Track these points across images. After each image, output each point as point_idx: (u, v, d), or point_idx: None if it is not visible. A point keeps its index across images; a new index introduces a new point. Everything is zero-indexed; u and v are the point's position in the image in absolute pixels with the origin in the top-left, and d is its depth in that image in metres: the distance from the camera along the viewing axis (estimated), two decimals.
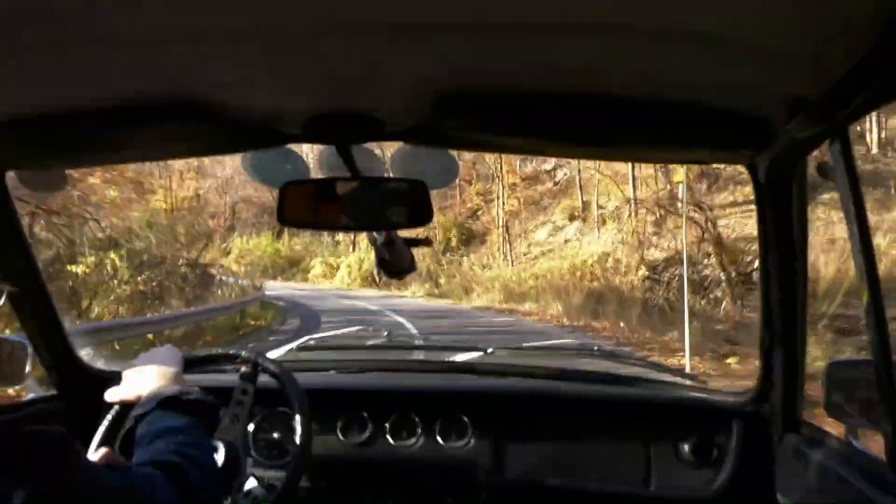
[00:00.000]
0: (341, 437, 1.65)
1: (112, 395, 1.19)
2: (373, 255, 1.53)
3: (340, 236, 29.24)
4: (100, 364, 1.77)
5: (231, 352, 1.40)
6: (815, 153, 1.17)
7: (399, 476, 1.62)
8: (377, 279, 23.38)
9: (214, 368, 1.55)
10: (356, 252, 27.72)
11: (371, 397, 1.72)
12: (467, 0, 0.75)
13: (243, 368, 1.34)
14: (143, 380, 1.14)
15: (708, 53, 0.87)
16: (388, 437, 1.65)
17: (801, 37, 0.80)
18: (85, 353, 1.76)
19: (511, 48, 0.88)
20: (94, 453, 1.12)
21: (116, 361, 1.87)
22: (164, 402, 1.00)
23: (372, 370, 1.86)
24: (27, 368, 1.53)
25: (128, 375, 1.18)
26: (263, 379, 1.35)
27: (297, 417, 1.27)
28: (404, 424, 1.66)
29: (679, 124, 1.07)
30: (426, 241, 1.61)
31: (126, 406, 1.18)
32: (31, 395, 1.66)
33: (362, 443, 1.64)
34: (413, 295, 22.34)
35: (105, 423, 1.24)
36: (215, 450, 1.04)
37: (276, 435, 1.63)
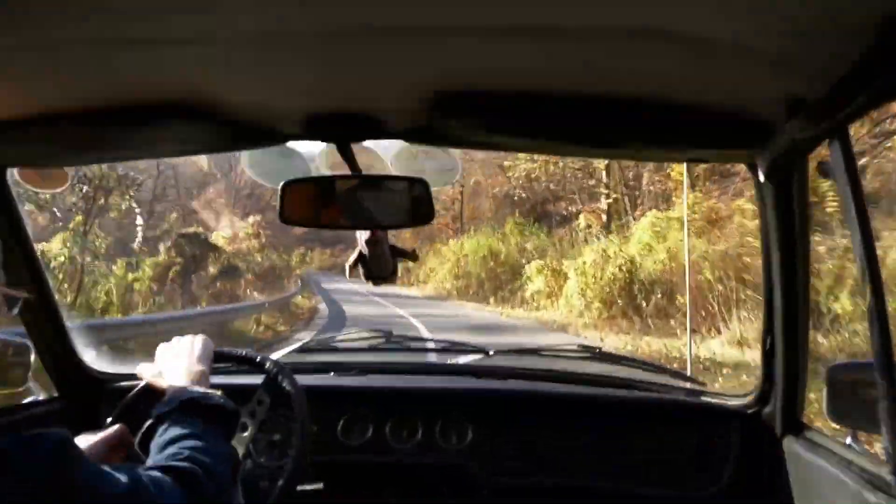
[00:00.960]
0: (342, 439, 1.64)
1: (143, 371, 1.21)
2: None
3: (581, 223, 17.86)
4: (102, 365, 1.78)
5: (258, 358, 1.38)
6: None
7: (399, 477, 1.61)
8: (633, 311, 12.25)
9: (236, 368, 1.55)
10: (600, 241, 15.07)
11: (371, 399, 1.72)
12: (467, 2, 0.75)
13: (267, 377, 1.34)
14: (172, 369, 1.13)
15: (708, 54, 0.87)
16: (389, 438, 1.64)
17: (800, 37, 0.80)
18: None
19: (510, 49, 0.88)
20: (108, 428, 1.11)
21: (119, 362, 1.86)
22: (186, 404, 0.99)
23: (372, 372, 1.86)
24: (29, 369, 1.53)
25: (161, 359, 1.18)
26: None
27: (298, 419, 1.27)
28: (405, 426, 1.65)
29: (679, 124, 1.07)
30: (412, 255, 1.61)
31: (149, 390, 1.19)
32: (32, 397, 1.66)
33: (363, 444, 1.64)
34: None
35: (127, 399, 1.25)
36: (230, 457, 1.03)
37: (276, 436, 1.63)
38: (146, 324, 8.92)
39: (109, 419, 1.19)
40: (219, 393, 1.05)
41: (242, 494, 1.23)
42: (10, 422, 1.48)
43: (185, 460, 0.87)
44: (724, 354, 8.81)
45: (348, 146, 1.19)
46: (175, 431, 0.94)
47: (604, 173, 18.81)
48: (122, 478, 0.76)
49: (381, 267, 1.51)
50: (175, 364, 1.14)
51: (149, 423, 0.99)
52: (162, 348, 1.20)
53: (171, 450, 0.90)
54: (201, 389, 1.05)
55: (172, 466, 0.85)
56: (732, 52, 0.85)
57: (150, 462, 0.90)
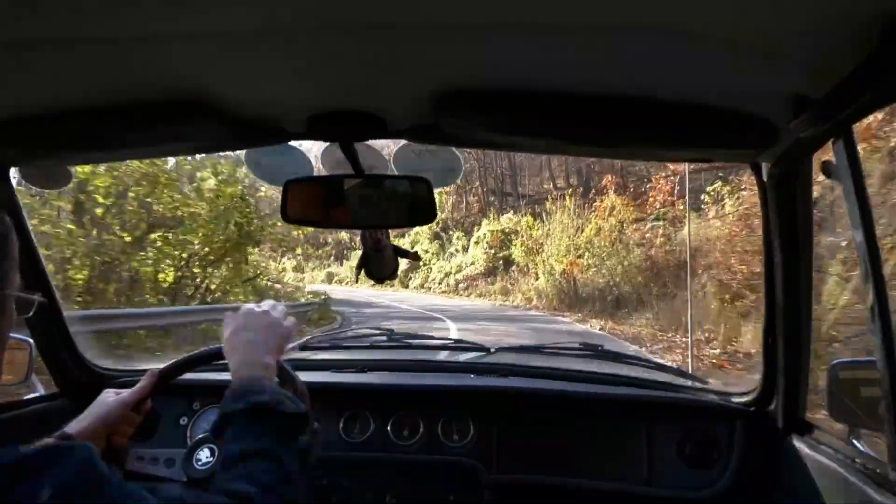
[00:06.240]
0: (343, 436, 1.65)
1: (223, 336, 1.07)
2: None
3: None
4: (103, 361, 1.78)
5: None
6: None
7: (401, 474, 1.62)
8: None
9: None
10: None
11: (373, 396, 1.72)
12: (469, 1, 0.75)
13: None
14: (237, 355, 1.01)
15: (711, 54, 0.87)
16: (391, 435, 1.65)
17: (804, 36, 0.80)
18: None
19: (513, 48, 0.88)
20: (146, 378, 1.14)
21: (120, 360, 1.87)
22: (255, 411, 0.89)
23: (374, 369, 1.86)
24: (31, 366, 1.53)
25: (229, 329, 1.05)
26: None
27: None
28: (406, 423, 1.66)
29: (682, 123, 1.07)
30: (415, 256, 1.63)
31: (211, 353, 1.18)
32: (34, 393, 1.66)
33: (364, 441, 1.64)
34: None
35: (192, 356, 1.24)
36: (299, 472, 0.96)
37: None
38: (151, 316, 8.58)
39: (153, 369, 1.17)
40: (287, 394, 0.95)
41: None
42: (11, 418, 1.48)
43: (253, 484, 0.80)
44: None
45: (351, 145, 1.19)
46: (244, 444, 0.86)
47: None
48: (153, 499, 0.71)
49: (385, 268, 1.53)
50: (240, 349, 1.01)
51: (218, 418, 0.92)
52: (232, 318, 1.07)
53: (241, 469, 0.83)
54: (272, 389, 0.95)
55: (236, 491, 0.78)
56: (736, 50, 0.85)
57: (218, 477, 0.83)
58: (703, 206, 13.07)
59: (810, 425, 1.37)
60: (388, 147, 1.53)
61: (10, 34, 0.81)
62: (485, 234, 23.85)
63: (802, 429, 1.38)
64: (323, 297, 16.64)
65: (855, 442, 1.23)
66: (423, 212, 1.21)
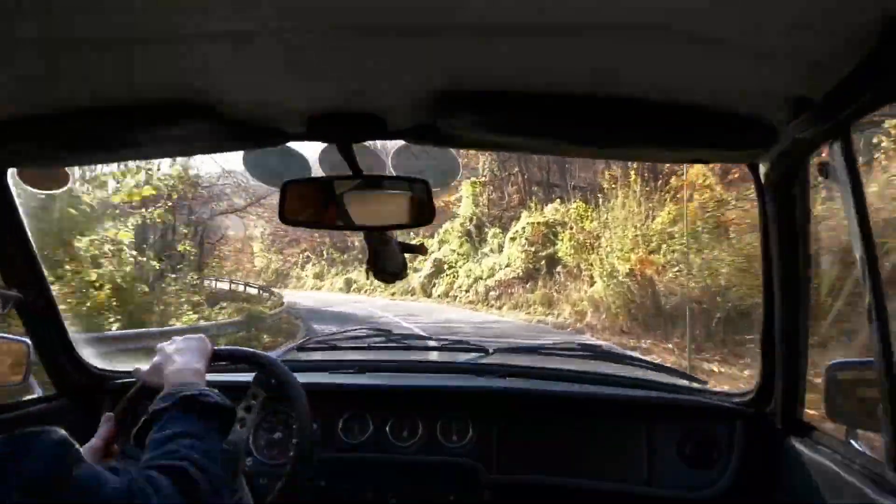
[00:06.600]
0: (342, 437, 1.65)
1: (138, 373, 1.20)
2: None
3: None
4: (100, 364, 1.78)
5: (257, 357, 1.36)
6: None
7: (400, 475, 1.62)
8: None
9: (231, 367, 1.54)
10: None
11: (372, 397, 1.72)
12: (468, 1, 0.75)
13: (258, 373, 1.33)
14: (170, 365, 1.13)
15: (710, 54, 0.87)
16: (390, 436, 1.65)
17: (803, 37, 0.80)
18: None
19: (511, 49, 0.88)
20: (103, 423, 1.14)
21: (117, 361, 1.87)
22: (183, 401, 0.98)
23: (372, 370, 1.86)
24: (29, 367, 1.53)
25: (160, 356, 1.18)
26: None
27: (298, 417, 1.27)
28: (405, 424, 1.66)
29: (681, 124, 1.07)
30: (421, 249, 1.61)
31: (146, 388, 1.19)
32: (32, 395, 1.66)
33: (363, 442, 1.64)
34: None
35: (127, 396, 1.24)
36: (226, 455, 1.01)
37: (276, 435, 1.63)
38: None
39: (107, 414, 1.19)
40: (215, 391, 1.04)
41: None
42: (9, 419, 1.48)
43: (181, 459, 0.86)
44: None
45: (350, 146, 1.19)
46: (171, 429, 0.93)
47: None
48: (118, 478, 0.76)
49: (393, 264, 1.51)
50: (173, 361, 1.14)
51: (144, 418, 0.99)
52: (161, 346, 1.20)
53: (167, 447, 0.89)
54: (198, 387, 1.04)
55: (167, 465, 0.84)
56: (735, 52, 0.85)
57: (144, 459, 0.89)
58: (874, 151, 7.92)
59: (809, 426, 1.37)
60: (386, 148, 1.53)
61: (9, 35, 0.81)
62: (524, 228, 18.54)
63: (801, 429, 1.38)
64: (242, 315, 13.01)
65: (852, 442, 1.23)
66: (421, 212, 1.21)
